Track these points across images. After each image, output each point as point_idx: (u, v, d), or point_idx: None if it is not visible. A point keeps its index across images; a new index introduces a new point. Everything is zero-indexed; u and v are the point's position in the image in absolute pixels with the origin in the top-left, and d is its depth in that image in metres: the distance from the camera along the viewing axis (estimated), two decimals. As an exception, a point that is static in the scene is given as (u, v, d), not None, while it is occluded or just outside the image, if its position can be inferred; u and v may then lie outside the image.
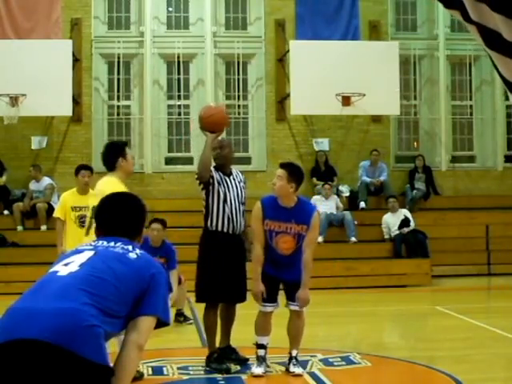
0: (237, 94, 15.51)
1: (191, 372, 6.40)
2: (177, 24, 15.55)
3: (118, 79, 15.34)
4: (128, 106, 15.47)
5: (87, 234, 7.32)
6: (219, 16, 15.50)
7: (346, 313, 10.31)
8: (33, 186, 13.82)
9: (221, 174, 6.50)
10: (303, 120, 15.29)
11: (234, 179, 6.57)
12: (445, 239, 13.91)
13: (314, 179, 14.83)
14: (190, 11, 15.51)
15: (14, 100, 13.10)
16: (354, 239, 13.48)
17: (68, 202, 8.31)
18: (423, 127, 16.10)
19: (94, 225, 3.37)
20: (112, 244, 3.10)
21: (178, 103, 15.48)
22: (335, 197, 14.14)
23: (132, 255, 3.04)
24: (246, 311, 6.66)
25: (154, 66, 15.22)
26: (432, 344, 7.99)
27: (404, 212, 13.83)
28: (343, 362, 6.74)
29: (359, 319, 9.74)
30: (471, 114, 16.25)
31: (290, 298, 6.25)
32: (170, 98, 15.50)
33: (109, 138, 15.30)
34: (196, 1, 15.44)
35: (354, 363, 6.71)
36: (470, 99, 16.25)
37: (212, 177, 6.40)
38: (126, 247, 3.08)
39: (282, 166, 6.32)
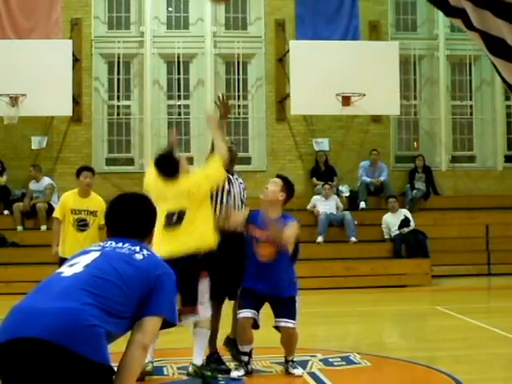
0: (237, 93, 15.51)
1: (191, 372, 6.40)
2: (177, 24, 15.55)
3: (118, 79, 15.34)
4: (128, 106, 15.47)
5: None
6: (219, 16, 15.50)
7: (345, 313, 10.31)
8: (33, 186, 13.81)
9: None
10: (303, 120, 15.29)
11: (236, 179, 6.71)
12: (445, 239, 13.91)
13: (314, 179, 14.83)
14: (190, 11, 15.51)
15: (14, 100, 13.10)
16: (353, 239, 13.48)
17: (68, 204, 8.10)
18: (423, 127, 16.10)
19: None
20: (120, 245, 3.11)
21: (178, 103, 15.48)
22: (335, 197, 14.14)
23: (138, 256, 3.04)
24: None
25: (154, 66, 15.22)
26: (432, 344, 7.99)
27: (404, 212, 13.83)
28: (343, 362, 6.73)
29: (359, 319, 9.74)
30: (471, 114, 16.25)
31: (277, 314, 6.16)
32: (170, 97, 15.50)
33: (109, 138, 15.33)
34: (196, 1, 15.45)
35: (354, 363, 6.71)
36: (470, 99, 16.25)
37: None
38: (133, 248, 3.09)
39: (279, 176, 6.51)
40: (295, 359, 6.31)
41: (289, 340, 6.18)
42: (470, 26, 1.64)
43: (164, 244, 5.56)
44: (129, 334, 2.99)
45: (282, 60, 15.14)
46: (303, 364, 6.44)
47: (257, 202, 6.49)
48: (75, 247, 7.67)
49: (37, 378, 2.69)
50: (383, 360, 6.95)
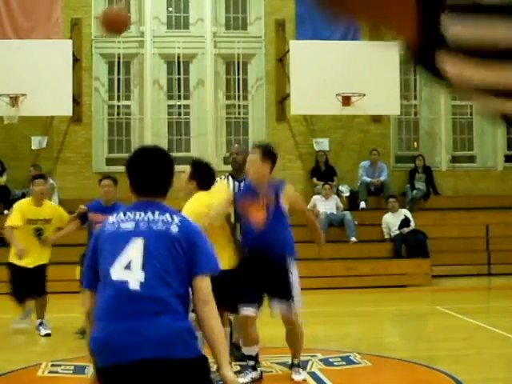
0: (237, 93, 15.51)
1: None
2: (177, 24, 15.55)
3: (118, 79, 15.34)
4: (128, 106, 15.48)
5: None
6: (219, 16, 15.51)
7: (346, 313, 10.30)
8: (33, 186, 13.80)
9: (234, 182, 6.67)
10: (303, 120, 15.29)
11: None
12: (445, 239, 13.91)
13: (314, 179, 14.84)
14: (190, 11, 15.52)
15: (14, 100, 13.10)
16: (354, 239, 13.48)
17: (24, 213, 8.09)
18: (423, 127, 16.11)
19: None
20: (151, 217, 3.14)
21: (178, 103, 15.48)
22: (335, 197, 14.14)
23: (174, 228, 3.11)
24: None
25: (154, 66, 15.23)
26: (432, 344, 7.99)
27: (404, 212, 13.83)
28: (343, 362, 6.73)
29: (359, 319, 9.73)
30: (471, 114, 16.24)
31: (271, 293, 5.74)
32: (170, 98, 15.50)
33: (109, 138, 15.33)
34: (196, 1, 15.45)
35: (354, 363, 6.71)
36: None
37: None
38: (165, 219, 3.13)
39: (258, 146, 6.04)
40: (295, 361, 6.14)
41: (290, 332, 5.85)
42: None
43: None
44: None
45: (282, 60, 15.14)
46: (303, 364, 6.43)
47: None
48: (34, 254, 7.94)
49: None
50: (383, 360, 6.95)
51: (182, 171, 6.02)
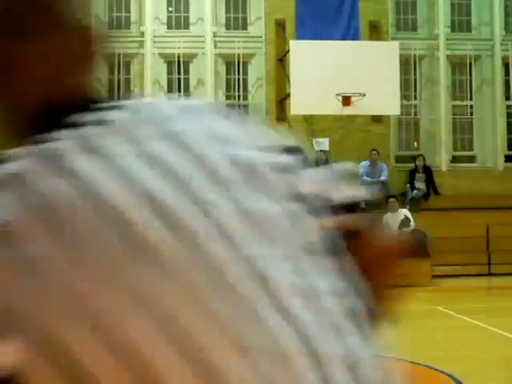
0: (237, 94, 15.52)
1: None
2: (177, 24, 15.56)
3: (119, 79, 15.35)
4: (128, 106, 15.48)
5: None
6: (219, 16, 15.52)
7: (346, 313, 10.29)
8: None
9: None
10: (303, 120, 15.29)
11: None
12: (445, 239, 13.91)
13: (314, 179, 14.84)
14: (190, 11, 15.53)
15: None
16: (354, 239, 13.47)
17: None
18: (423, 127, 16.11)
19: None
20: None
21: (179, 103, 15.48)
22: (335, 197, 14.13)
23: None
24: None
25: (155, 66, 15.24)
26: (432, 344, 7.99)
27: (404, 212, 13.83)
28: (343, 362, 6.72)
29: (359, 319, 9.72)
30: (471, 114, 16.26)
31: None
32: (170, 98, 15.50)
33: (109, 138, 15.34)
34: (196, 1, 15.46)
35: (354, 363, 6.70)
36: (470, 99, 16.26)
37: None
38: None
39: None
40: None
41: None
42: None
43: None
44: None
45: (282, 60, 15.15)
46: (303, 364, 6.43)
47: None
48: None
49: None
50: (383, 360, 6.94)
51: None
